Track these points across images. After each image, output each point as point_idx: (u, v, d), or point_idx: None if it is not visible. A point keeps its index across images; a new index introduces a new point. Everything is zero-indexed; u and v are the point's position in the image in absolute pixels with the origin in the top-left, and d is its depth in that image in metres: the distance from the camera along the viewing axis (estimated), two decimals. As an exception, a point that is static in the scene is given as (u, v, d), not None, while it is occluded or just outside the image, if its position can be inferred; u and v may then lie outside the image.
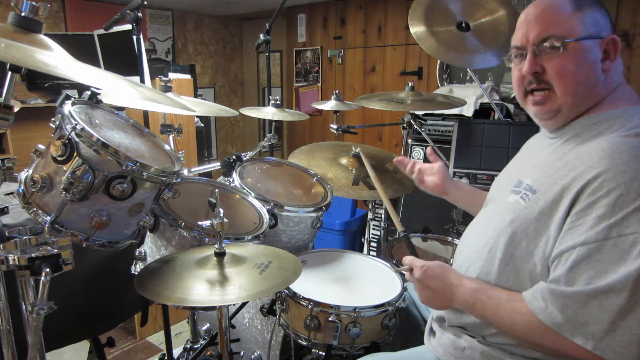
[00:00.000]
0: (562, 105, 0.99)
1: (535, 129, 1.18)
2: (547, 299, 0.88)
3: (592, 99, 0.98)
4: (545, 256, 0.92)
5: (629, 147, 0.87)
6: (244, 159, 1.83)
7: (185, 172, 1.87)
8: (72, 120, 1.01)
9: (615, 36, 0.97)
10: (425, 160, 2.77)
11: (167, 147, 1.33)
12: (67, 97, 1.11)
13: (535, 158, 1.08)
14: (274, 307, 1.50)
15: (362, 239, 2.83)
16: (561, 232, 0.89)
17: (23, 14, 0.95)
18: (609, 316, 0.82)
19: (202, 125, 3.28)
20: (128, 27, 1.97)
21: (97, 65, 2.90)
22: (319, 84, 4.69)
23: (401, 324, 1.43)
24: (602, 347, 0.82)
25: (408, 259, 1.15)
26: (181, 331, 2.72)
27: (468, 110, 2.65)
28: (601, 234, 0.83)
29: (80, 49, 3.04)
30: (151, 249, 1.44)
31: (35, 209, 1.04)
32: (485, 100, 2.67)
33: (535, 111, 1.04)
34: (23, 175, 1.08)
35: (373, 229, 2.95)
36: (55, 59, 0.91)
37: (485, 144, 2.07)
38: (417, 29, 2.12)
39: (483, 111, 2.70)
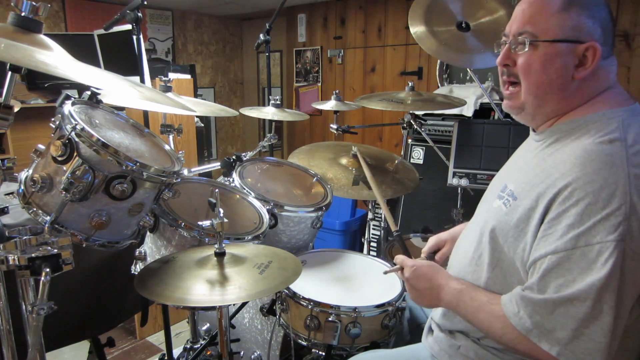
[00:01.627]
0: (525, 102, 1.00)
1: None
2: (519, 304, 0.90)
3: (558, 103, 0.97)
4: (524, 262, 0.94)
5: (601, 154, 0.87)
6: (244, 159, 1.83)
7: (185, 172, 1.87)
8: (72, 120, 1.01)
9: (596, 44, 0.92)
10: (425, 161, 2.79)
11: (167, 147, 1.33)
12: (67, 97, 1.11)
13: (521, 162, 1.09)
14: (274, 307, 1.50)
15: (362, 239, 2.82)
16: (535, 240, 0.90)
17: (23, 14, 0.95)
18: (574, 324, 0.83)
19: (202, 125, 3.28)
20: (128, 27, 1.97)
21: (97, 65, 2.90)
22: (319, 84, 4.69)
23: (404, 323, 1.43)
24: (566, 353, 0.84)
25: (399, 258, 1.18)
26: (181, 331, 2.72)
27: (468, 110, 2.65)
28: (570, 243, 0.84)
29: (80, 49, 3.04)
30: (151, 249, 1.44)
31: (35, 209, 1.04)
32: (485, 100, 2.67)
33: (504, 104, 1.06)
34: (23, 175, 1.08)
35: (373, 229, 2.95)
36: (55, 59, 0.91)
37: (485, 144, 2.07)
38: (417, 29, 2.12)
39: (483, 111, 2.70)
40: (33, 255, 0.94)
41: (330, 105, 2.41)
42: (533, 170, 0.97)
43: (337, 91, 2.43)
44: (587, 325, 0.82)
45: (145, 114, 1.91)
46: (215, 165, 2.02)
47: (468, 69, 2.44)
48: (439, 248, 1.36)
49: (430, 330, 1.22)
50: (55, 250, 0.96)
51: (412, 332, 1.49)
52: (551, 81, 0.95)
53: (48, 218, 1.02)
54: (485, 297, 0.99)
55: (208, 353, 1.63)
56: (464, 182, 2.04)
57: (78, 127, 1.00)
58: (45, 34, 1.00)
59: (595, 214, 0.83)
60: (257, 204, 1.59)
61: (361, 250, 2.33)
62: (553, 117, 1.00)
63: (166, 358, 1.96)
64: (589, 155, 0.88)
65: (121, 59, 2.78)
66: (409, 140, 2.85)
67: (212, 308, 1.49)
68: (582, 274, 0.83)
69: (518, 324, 0.90)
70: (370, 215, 2.59)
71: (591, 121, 0.94)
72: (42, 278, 0.93)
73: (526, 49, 0.95)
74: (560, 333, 0.85)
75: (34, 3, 0.96)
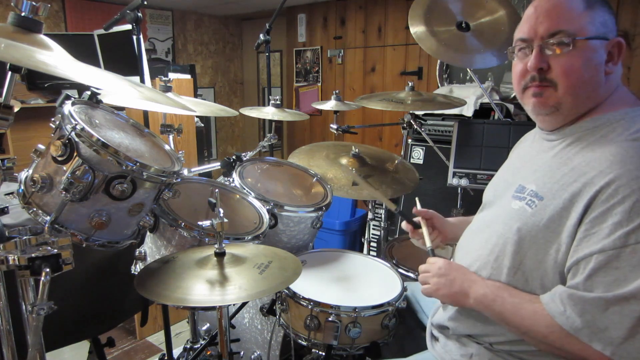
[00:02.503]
0: (561, 103, 0.97)
1: (533, 129, 1.17)
2: (566, 302, 0.87)
3: (592, 100, 0.97)
4: (558, 264, 0.91)
5: (639, 151, 0.87)
6: (244, 159, 1.83)
7: (185, 172, 1.87)
8: (72, 120, 1.01)
9: (621, 39, 0.96)
10: (425, 161, 2.79)
11: (167, 147, 1.33)
12: (67, 97, 1.11)
13: (535, 162, 1.06)
14: (274, 307, 1.50)
15: (362, 239, 2.82)
16: (575, 240, 0.88)
17: (23, 14, 0.95)
18: (629, 322, 0.81)
19: (202, 125, 3.28)
20: (128, 27, 1.97)
21: (97, 65, 2.90)
22: (319, 84, 4.69)
23: (398, 326, 1.43)
24: (620, 353, 0.82)
25: (423, 267, 1.14)
26: (181, 331, 2.72)
27: (468, 110, 2.65)
28: (619, 242, 0.83)
29: (80, 49, 3.04)
30: (151, 249, 1.44)
31: (35, 209, 1.04)
32: (485, 100, 2.67)
33: (534, 103, 1.00)
34: (23, 175, 1.08)
35: (373, 229, 2.95)
36: (55, 59, 0.91)
37: (485, 144, 2.07)
38: (417, 29, 2.12)
39: (483, 111, 2.70)
40: (33, 255, 0.94)
41: (330, 105, 2.41)
42: (559, 170, 0.96)
43: (337, 91, 2.43)
44: None
45: (145, 114, 1.91)
46: (215, 165, 2.02)
47: (468, 69, 2.44)
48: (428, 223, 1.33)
49: (434, 337, 1.20)
50: (55, 250, 0.96)
51: (408, 333, 1.49)
52: (592, 78, 0.96)
53: (48, 218, 1.02)
54: (526, 295, 0.96)
55: (208, 353, 1.63)
56: (464, 182, 2.04)
57: (78, 127, 1.00)
58: (45, 34, 1.00)
59: None
60: (257, 204, 1.59)
61: (361, 250, 2.33)
62: (579, 115, 0.99)
63: (166, 358, 1.96)
64: (627, 152, 0.87)
65: (121, 59, 2.78)
66: (409, 140, 2.85)
67: (212, 308, 1.49)
68: (634, 272, 0.81)
69: (565, 323, 0.87)
70: (370, 215, 2.59)
71: (614, 119, 0.95)
72: (42, 278, 0.94)
73: (570, 48, 0.94)
74: (614, 332, 0.82)
75: (34, 3, 0.96)
